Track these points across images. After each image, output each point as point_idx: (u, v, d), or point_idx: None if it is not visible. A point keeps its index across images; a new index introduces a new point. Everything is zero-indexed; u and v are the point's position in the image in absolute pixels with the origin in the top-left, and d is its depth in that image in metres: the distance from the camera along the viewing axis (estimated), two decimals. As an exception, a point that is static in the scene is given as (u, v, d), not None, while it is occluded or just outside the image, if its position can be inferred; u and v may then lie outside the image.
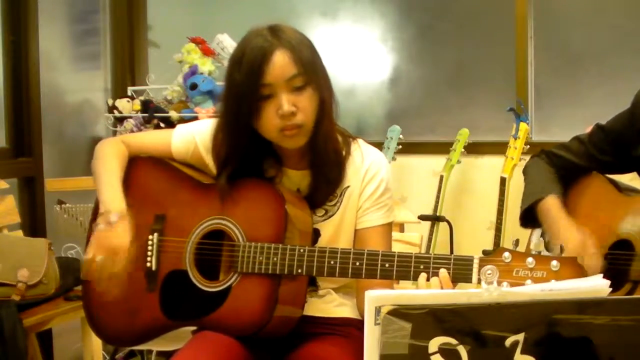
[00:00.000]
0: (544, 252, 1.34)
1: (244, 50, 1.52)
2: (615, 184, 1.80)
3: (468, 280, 1.39)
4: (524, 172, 1.94)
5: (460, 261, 1.40)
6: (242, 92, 1.52)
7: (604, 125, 1.81)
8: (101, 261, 1.54)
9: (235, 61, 1.54)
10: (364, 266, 1.48)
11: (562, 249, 1.34)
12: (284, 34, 1.53)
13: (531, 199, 1.78)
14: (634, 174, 1.79)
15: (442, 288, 1.39)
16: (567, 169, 1.85)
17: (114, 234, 1.55)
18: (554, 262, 1.30)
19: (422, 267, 1.43)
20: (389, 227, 1.66)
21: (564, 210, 1.72)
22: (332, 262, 1.50)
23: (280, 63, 1.50)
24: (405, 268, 1.45)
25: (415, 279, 1.44)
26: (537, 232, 1.85)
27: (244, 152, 1.60)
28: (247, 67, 1.50)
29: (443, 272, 1.40)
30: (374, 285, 1.52)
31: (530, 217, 1.80)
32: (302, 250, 1.51)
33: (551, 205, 1.73)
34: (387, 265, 1.46)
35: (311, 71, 1.54)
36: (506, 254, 1.34)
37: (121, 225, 1.56)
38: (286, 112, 1.50)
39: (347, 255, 1.49)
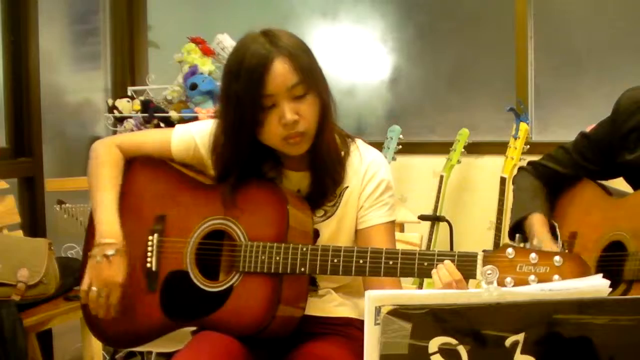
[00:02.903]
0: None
1: (242, 59, 1.50)
2: (604, 188, 1.82)
3: (472, 276, 1.39)
4: (513, 183, 1.98)
5: (464, 257, 1.40)
6: (243, 103, 1.50)
7: (588, 133, 1.84)
8: (97, 292, 1.58)
9: (233, 70, 1.52)
10: (368, 264, 1.47)
11: (564, 245, 1.35)
12: (281, 41, 1.51)
13: (517, 216, 1.83)
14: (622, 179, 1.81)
15: (449, 275, 1.38)
16: (553, 179, 1.88)
17: (109, 270, 1.58)
18: (557, 258, 1.31)
19: (426, 264, 1.43)
20: (391, 225, 1.66)
21: (546, 228, 1.76)
22: (335, 261, 1.50)
23: (281, 72, 1.48)
24: (409, 265, 1.45)
25: (419, 275, 1.44)
26: None
27: (245, 157, 1.60)
28: (246, 77, 1.48)
29: (448, 262, 1.40)
30: (382, 285, 1.52)
31: (518, 232, 1.84)
32: (304, 249, 1.51)
33: (534, 222, 1.77)
34: (390, 262, 1.46)
35: (311, 77, 1.52)
36: (509, 249, 1.34)
37: (116, 261, 1.58)
38: (289, 121, 1.49)
39: (351, 254, 1.49)
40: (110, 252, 1.58)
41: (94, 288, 1.58)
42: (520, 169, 1.99)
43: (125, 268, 1.60)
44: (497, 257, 1.35)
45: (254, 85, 1.47)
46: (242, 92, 1.49)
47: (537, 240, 1.36)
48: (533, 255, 1.33)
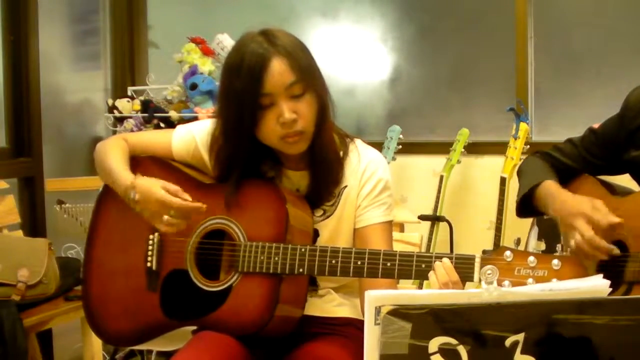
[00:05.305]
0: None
1: (241, 58, 1.50)
2: (607, 185, 1.82)
3: (470, 279, 1.39)
4: (518, 170, 1.96)
5: (462, 260, 1.41)
6: (242, 102, 1.51)
7: (595, 128, 1.84)
8: (165, 218, 1.54)
9: (232, 69, 1.52)
10: (366, 265, 1.48)
11: (562, 248, 1.35)
12: (279, 40, 1.52)
13: (528, 187, 1.79)
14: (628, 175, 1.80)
15: (447, 275, 1.38)
16: (559, 170, 1.87)
17: (146, 203, 1.55)
18: (555, 261, 1.31)
19: (423, 265, 1.43)
20: (388, 225, 1.66)
21: (563, 188, 1.72)
22: (333, 262, 1.50)
23: (278, 71, 1.49)
24: (407, 267, 1.45)
25: (417, 277, 1.44)
26: (535, 234, 1.85)
27: (245, 156, 1.60)
28: (245, 76, 1.49)
29: (446, 260, 1.40)
30: (377, 286, 1.51)
31: (526, 207, 1.81)
32: (303, 250, 1.52)
33: (549, 186, 1.74)
34: (388, 264, 1.46)
35: (309, 76, 1.53)
36: (508, 252, 1.34)
37: (144, 193, 1.54)
38: (287, 120, 1.50)
39: (349, 255, 1.49)
40: (132, 195, 1.56)
41: (165, 219, 1.53)
42: (529, 156, 1.97)
43: (149, 183, 1.56)
44: (495, 260, 1.35)
45: (252, 84, 1.48)
46: (242, 90, 1.50)
47: (535, 243, 1.35)
48: (531, 258, 1.32)
